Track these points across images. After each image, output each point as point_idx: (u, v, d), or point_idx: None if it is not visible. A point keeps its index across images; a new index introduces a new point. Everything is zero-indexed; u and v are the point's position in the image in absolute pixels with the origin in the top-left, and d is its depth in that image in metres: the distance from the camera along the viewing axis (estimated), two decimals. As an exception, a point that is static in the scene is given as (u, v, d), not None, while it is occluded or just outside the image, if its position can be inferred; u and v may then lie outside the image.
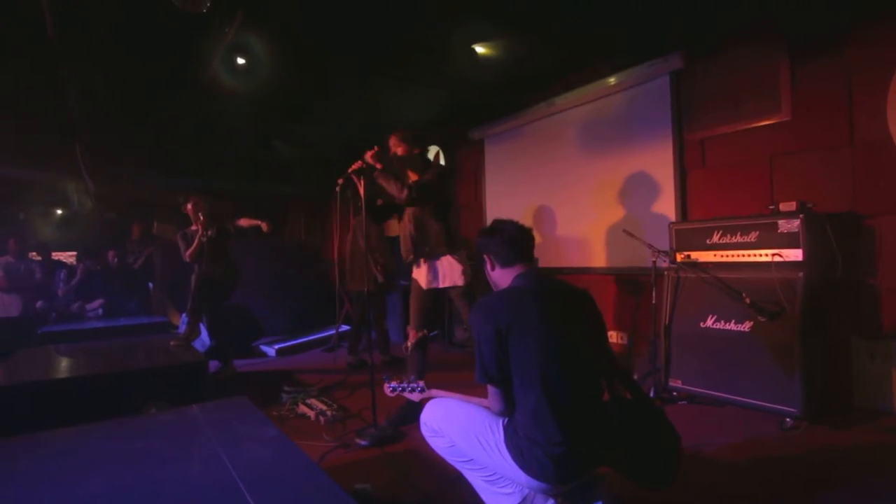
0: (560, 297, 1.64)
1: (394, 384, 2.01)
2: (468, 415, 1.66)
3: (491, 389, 1.58)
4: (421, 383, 1.95)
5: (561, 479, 1.50)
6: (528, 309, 1.54)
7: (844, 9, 2.93)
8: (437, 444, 1.73)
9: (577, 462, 1.51)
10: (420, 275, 2.92)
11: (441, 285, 2.87)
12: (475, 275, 2.83)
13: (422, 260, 2.90)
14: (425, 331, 2.92)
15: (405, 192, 2.75)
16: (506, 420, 1.58)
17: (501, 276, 1.73)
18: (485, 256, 1.76)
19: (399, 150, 2.91)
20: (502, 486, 1.64)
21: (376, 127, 2.91)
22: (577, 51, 4.05)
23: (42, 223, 7.50)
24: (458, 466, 1.72)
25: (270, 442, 1.59)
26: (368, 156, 2.70)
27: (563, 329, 1.54)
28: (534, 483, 1.52)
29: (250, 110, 4.99)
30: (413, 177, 2.93)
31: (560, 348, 1.50)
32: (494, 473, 1.63)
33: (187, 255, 4.18)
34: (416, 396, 1.97)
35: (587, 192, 4.42)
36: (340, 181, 2.83)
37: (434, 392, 1.92)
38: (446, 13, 3.31)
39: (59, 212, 7.73)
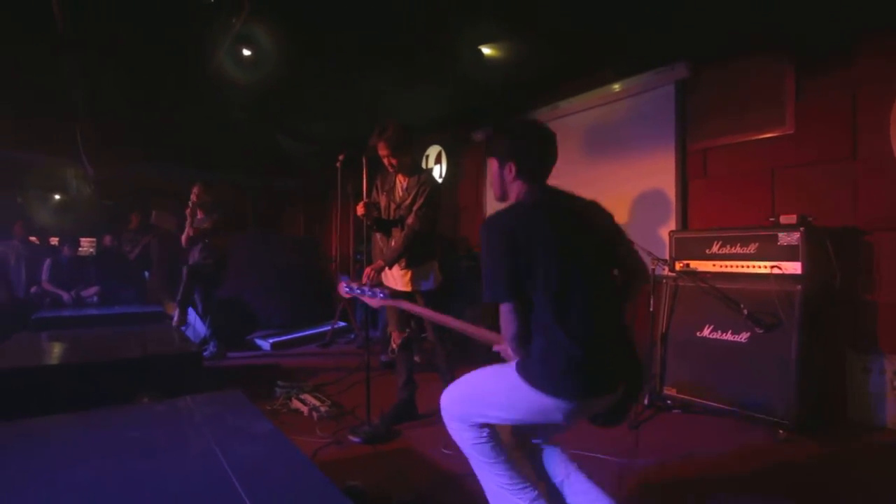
0: (572, 211, 1.55)
1: (352, 286, 1.85)
2: (475, 377, 1.58)
3: (504, 308, 1.44)
4: (383, 292, 1.79)
5: (583, 386, 1.41)
6: (540, 220, 1.46)
7: (851, 24, 2.94)
8: (455, 428, 1.60)
9: (595, 367, 1.42)
10: (387, 277, 2.89)
11: (395, 287, 2.84)
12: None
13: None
14: (408, 330, 2.91)
15: (415, 232, 2.70)
16: (515, 361, 1.48)
17: (516, 188, 1.59)
18: (509, 162, 1.57)
19: (386, 159, 2.77)
20: (520, 490, 1.52)
21: (379, 124, 2.86)
22: (582, 56, 4.05)
23: (39, 208, 7.45)
24: (477, 461, 1.57)
25: (264, 436, 1.57)
26: (360, 212, 2.72)
27: (577, 242, 1.47)
28: (553, 404, 1.40)
29: (253, 102, 4.97)
30: (402, 181, 2.83)
31: (575, 261, 1.44)
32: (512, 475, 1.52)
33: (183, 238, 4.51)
34: (375, 302, 1.83)
35: (588, 197, 4.41)
36: (341, 157, 2.74)
37: (402, 303, 1.84)
38: (455, 12, 3.30)
39: (57, 197, 7.68)
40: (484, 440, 1.54)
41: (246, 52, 3.63)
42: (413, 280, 2.80)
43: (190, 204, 4.52)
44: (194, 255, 4.62)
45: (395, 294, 2.85)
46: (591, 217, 1.62)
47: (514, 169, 1.57)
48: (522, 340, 1.45)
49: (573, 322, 1.41)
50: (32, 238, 6.20)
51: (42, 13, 3.17)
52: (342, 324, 5.72)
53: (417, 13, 3.31)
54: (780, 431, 2.57)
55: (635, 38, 3.73)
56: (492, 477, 1.56)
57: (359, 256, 6.08)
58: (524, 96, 4.83)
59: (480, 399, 1.54)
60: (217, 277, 4.70)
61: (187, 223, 4.50)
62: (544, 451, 1.67)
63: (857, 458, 2.41)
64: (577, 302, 1.43)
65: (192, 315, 5.20)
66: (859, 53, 2.92)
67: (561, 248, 1.44)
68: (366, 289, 1.83)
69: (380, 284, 1.85)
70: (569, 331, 1.40)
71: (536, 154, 1.60)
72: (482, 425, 1.55)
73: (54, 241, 6.38)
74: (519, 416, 1.50)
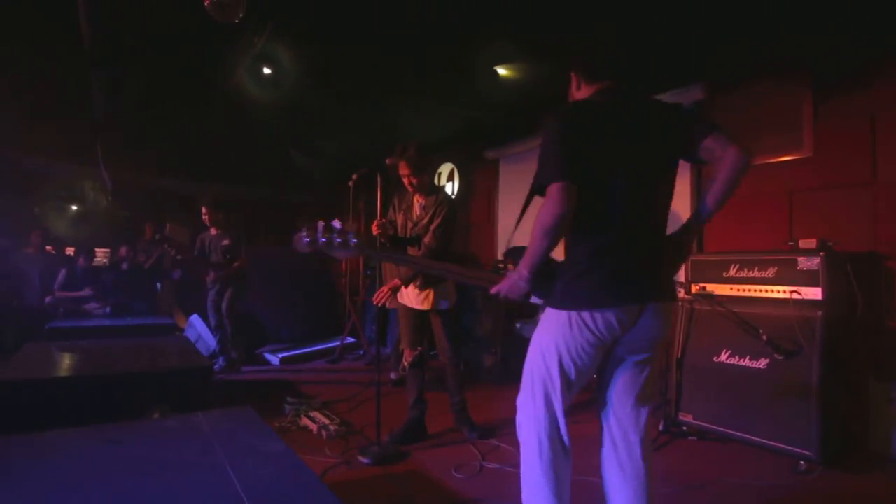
0: (640, 115, 1.47)
1: (315, 236, 1.56)
2: (527, 360, 1.52)
3: (553, 188, 1.34)
4: (355, 238, 1.58)
5: (608, 294, 1.36)
6: (593, 116, 1.42)
7: (870, 47, 2.93)
8: (524, 428, 1.50)
9: (631, 264, 1.39)
10: (402, 296, 2.89)
11: (411, 305, 2.86)
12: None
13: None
14: (419, 348, 2.90)
15: (431, 251, 2.72)
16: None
17: (584, 95, 1.54)
18: (572, 73, 1.55)
19: (407, 179, 2.79)
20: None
21: (393, 140, 2.88)
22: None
23: (56, 218, 7.56)
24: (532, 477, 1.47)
25: (277, 456, 1.55)
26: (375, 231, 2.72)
27: (626, 146, 1.41)
28: (581, 320, 1.37)
29: (270, 118, 5.04)
30: (420, 200, 2.85)
31: (618, 167, 1.40)
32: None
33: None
34: (342, 254, 1.59)
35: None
36: (355, 177, 2.76)
37: (374, 252, 1.79)
38: (471, 34, 3.34)
39: (74, 208, 7.80)
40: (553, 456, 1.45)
41: (266, 70, 3.69)
42: (435, 299, 2.81)
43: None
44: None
45: (413, 311, 2.85)
46: (656, 119, 1.49)
47: (575, 77, 1.56)
48: (565, 226, 1.36)
49: (603, 234, 1.39)
50: (49, 248, 6.29)
51: (68, 27, 3.25)
52: (351, 339, 5.70)
53: (434, 33, 3.36)
54: (801, 462, 2.49)
55: (650, 60, 3.74)
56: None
57: (368, 272, 6.08)
58: (538, 115, 4.84)
59: (539, 365, 1.46)
60: (237, 295, 4.69)
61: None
62: (620, 488, 1.51)
63: (882, 492, 2.32)
64: (611, 211, 1.39)
65: (202, 328, 5.22)
66: (878, 78, 2.90)
67: (610, 148, 1.39)
68: (334, 236, 1.54)
69: (351, 231, 1.62)
70: (598, 243, 1.39)
71: (593, 52, 1.58)
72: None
73: (70, 251, 6.46)
74: (573, 355, 1.41)
